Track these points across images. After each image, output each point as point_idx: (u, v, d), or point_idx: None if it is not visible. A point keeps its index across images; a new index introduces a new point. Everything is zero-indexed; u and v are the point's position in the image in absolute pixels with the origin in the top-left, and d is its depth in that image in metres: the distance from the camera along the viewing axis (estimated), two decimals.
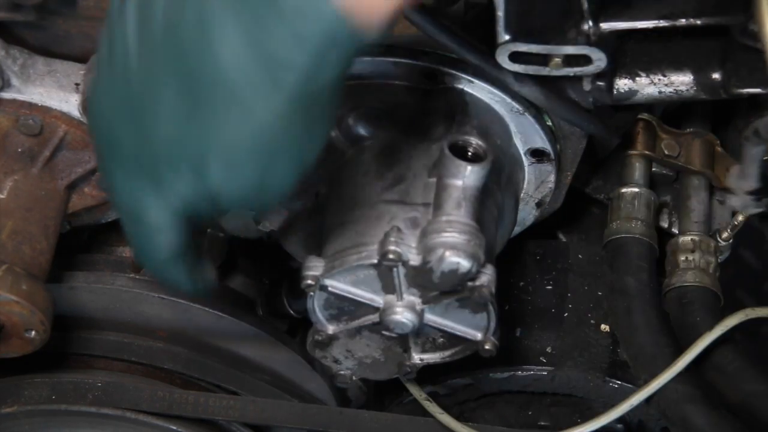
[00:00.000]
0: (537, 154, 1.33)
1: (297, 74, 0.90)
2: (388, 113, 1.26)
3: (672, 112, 1.50)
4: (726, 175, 1.42)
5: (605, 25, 1.16)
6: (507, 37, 1.16)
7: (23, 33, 1.27)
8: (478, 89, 1.27)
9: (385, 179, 1.22)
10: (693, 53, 1.27)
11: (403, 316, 1.18)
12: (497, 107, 1.28)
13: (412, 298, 1.18)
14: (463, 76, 1.26)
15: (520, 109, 1.28)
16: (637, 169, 1.44)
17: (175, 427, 1.33)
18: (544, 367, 1.46)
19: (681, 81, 1.27)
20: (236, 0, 0.89)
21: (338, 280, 1.18)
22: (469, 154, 1.18)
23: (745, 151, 1.29)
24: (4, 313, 1.21)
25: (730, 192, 1.41)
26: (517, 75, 1.21)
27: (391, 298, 1.18)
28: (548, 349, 1.47)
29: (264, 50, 0.89)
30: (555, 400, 1.51)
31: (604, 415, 1.26)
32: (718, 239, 1.42)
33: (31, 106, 1.27)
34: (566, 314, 1.49)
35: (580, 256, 1.51)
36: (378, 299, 1.19)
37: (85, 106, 1.25)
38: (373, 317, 1.20)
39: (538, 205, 1.39)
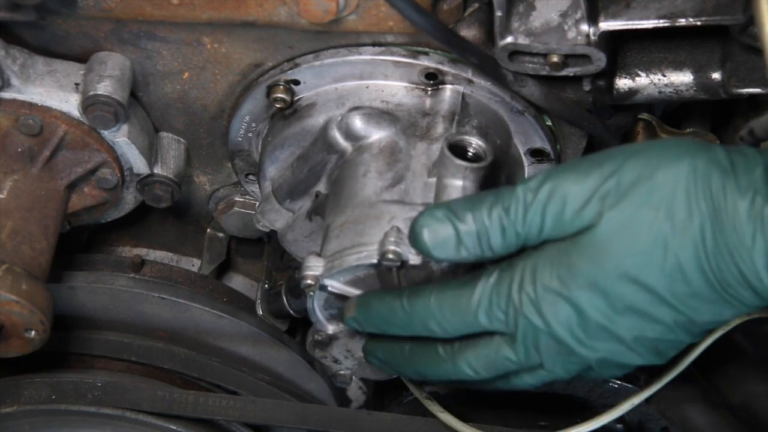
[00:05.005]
0: (537, 154, 1.33)
1: None
2: (388, 113, 1.26)
3: (672, 112, 1.50)
4: None
5: (605, 25, 1.16)
6: (507, 37, 1.16)
7: (23, 33, 1.27)
8: (478, 89, 1.27)
9: (385, 179, 1.22)
10: (693, 53, 1.27)
11: None
12: (497, 107, 1.28)
13: None
14: (464, 76, 1.26)
15: (520, 109, 1.28)
16: None
17: (175, 427, 1.33)
18: None
19: (681, 81, 1.27)
20: None
21: (338, 280, 1.18)
22: (469, 154, 1.17)
23: None
24: (4, 313, 1.21)
25: None
26: (516, 75, 1.21)
27: None
28: None
29: None
30: (555, 400, 1.51)
31: (604, 415, 1.26)
32: None
33: (31, 105, 1.27)
34: None
35: None
36: None
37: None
38: None
39: None
